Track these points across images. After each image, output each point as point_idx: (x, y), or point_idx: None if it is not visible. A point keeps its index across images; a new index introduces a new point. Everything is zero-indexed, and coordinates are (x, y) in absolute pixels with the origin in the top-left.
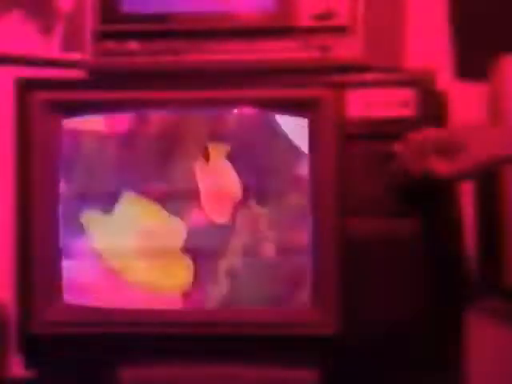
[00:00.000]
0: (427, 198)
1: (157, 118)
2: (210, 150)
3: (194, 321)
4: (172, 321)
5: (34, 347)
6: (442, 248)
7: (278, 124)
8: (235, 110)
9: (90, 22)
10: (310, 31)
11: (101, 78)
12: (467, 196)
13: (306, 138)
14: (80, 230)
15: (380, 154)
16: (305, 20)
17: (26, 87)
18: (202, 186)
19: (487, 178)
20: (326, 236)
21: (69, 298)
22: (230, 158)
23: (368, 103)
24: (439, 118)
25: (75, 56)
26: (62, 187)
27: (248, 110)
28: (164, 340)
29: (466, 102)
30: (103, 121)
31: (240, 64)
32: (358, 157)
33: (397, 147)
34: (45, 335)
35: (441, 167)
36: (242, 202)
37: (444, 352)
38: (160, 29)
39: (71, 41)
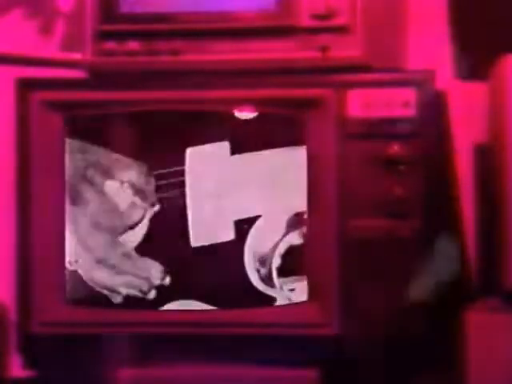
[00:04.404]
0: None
1: None
2: None
3: (193, 320)
4: (172, 321)
5: (34, 347)
6: (443, 248)
7: None
8: (235, 110)
9: (89, 22)
10: (310, 31)
11: (101, 78)
12: (468, 196)
13: None
14: None
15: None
16: (305, 20)
17: (25, 87)
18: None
19: (488, 178)
20: (325, 236)
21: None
22: None
23: (368, 103)
24: (439, 118)
25: (75, 56)
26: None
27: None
28: (163, 340)
29: (466, 102)
30: None
31: (240, 64)
32: (358, 157)
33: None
34: (45, 335)
35: None
36: None
37: (444, 352)
38: (160, 29)
39: (71, 41)
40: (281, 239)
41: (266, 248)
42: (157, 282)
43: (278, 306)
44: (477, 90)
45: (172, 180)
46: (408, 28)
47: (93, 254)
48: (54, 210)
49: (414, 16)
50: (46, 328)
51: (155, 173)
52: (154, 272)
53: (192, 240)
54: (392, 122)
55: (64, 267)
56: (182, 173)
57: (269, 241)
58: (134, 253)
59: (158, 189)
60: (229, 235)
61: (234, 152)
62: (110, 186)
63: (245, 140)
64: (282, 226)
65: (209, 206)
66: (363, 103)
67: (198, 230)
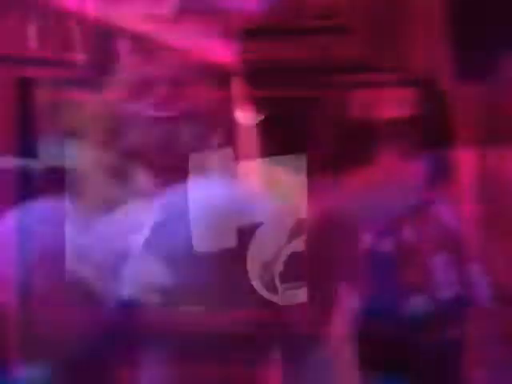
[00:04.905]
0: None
1: None
2: None
3: (193, 321)
4: (172, 320)
5: (34, 347)
6: (443, 248)
7: None
8: (235, 112)
9: (91, 22)
10: (310, 31)
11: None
12: (468, 196)
13: None
14: None
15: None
16: (305, 20)
17: (25, 87)
18: None
19: (488, 178)
20: (327, 240)
21: None
22: None
23: (368, 103)
24: (439, 118)
25: (75, 56)
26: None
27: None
28: (164, 340)
29: (466, 102)
30: None
31: (240, 64)
32: (358, 157)
33: None
34: (45, 335)
35: None
36: None
37: (444, 352)
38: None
39: (71, 41)
40: (284, 246)
41: (268, 254)
42: (160, 282)
43: (278, 307)
44: (477, 90)
45: (174, 185)
46: (408, 28)
47: (96, 254)
48: (55, 210)
49: (415, 16)
50: (48, 328)
51: (158, 177)
52: (158, 274)
53: (194, 246)
54: (392, 121)
55: (64, 267)
56: (183, 178)
57: (271, 247)
58: (138, 254)
59: (160, 193)
60: (231, 242)
61: (235, 157)
62: (115, 185)
63: (246, 143)
64: (284, 233)
65: (210, 213)
66: (363, 103)
67: (201, 236)
